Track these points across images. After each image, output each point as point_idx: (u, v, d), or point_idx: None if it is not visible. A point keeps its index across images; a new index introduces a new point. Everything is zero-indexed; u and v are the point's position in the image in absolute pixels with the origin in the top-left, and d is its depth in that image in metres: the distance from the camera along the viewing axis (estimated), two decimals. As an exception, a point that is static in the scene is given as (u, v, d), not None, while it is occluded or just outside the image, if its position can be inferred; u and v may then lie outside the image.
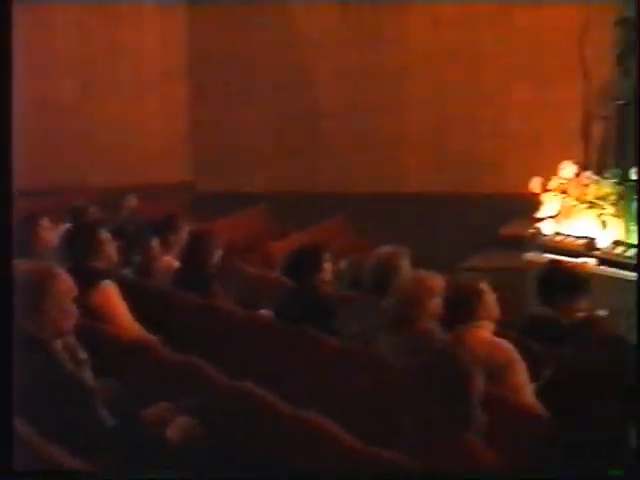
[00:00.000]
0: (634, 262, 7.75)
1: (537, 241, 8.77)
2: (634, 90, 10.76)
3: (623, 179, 8.56)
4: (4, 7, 3.30)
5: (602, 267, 8.01)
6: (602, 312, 6.16)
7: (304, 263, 5.70)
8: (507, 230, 10.31)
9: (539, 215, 8.97)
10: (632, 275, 7.69)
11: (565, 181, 8.87)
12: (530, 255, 8.61)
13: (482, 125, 11.77)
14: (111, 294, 5.34)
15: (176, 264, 6.61)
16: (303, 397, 4.35)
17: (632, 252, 7.84)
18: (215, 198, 11.72)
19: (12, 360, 3.16)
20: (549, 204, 8.92)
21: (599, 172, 9.00)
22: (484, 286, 4.81)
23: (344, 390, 4.74)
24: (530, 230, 8.94)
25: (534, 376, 4.38)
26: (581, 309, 5.34)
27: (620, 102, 10.67)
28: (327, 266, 5.82)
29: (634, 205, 7.90)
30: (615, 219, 8.36)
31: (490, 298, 4.78)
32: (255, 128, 12.61)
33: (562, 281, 5.34)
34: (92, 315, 5.01)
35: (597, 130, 11.03)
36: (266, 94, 12.50)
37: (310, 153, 12.36)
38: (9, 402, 3.13)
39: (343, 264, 6.65)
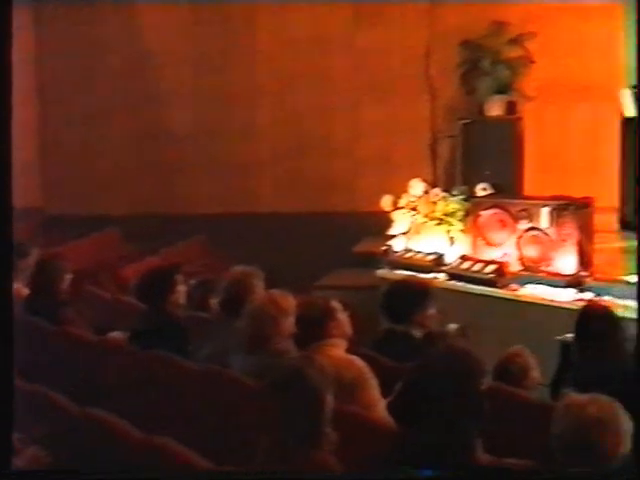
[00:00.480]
0: (482, 276, 7.98)
1: (389, 258, 8.93)
2: (478, 109, 11.13)
3: (469, 195, 8.81)
4: (4, 7, 3.34)
5: (451, 282, 8.20)
6: (452, 326, 6.32)
7: (155, 286, 5.67)
8: (360, 248, 10.45)
9: (391, 232, 9.14)
10: (479, 289, 7.91)
11: (415, 199, 9.05)
12: (382, 272, 8.76)
13: (334, 145, 11.89)
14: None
15: (25, 291, 6.47)
16: (158, 421, 4.32)
17: (478, 266, 8.06)
18: (67, 222, 11.50)
19: (12, 361, 3.31)
20: (400, 221, 9.09)
21: (447, 189, 9.23)
22: (336, 304, 4.88)
23: (200, 413, 4.73)
24: (382, 247, 9.10)
25: (387, 391, 4.45)
26: (429, 323, 5.47)
27: (465, 121, 11.01)
28: (180, 288, 5.80)
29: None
30: (462, 235, 8.59)
31: (342, 316, 4.85)
32: (107, 150, 12.44)
33: (407, 296, 5.46)
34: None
35: (444, 148, 11.33)
36: (117, 115, 12.35)
37: (164, 175, 12.25)
38: (9, 403, 3.20)
39: (191, 285, 6.64)
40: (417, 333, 5.38)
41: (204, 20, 12.03)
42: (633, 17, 7.12)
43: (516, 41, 10.98)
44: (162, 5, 12.04)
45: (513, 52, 11.05)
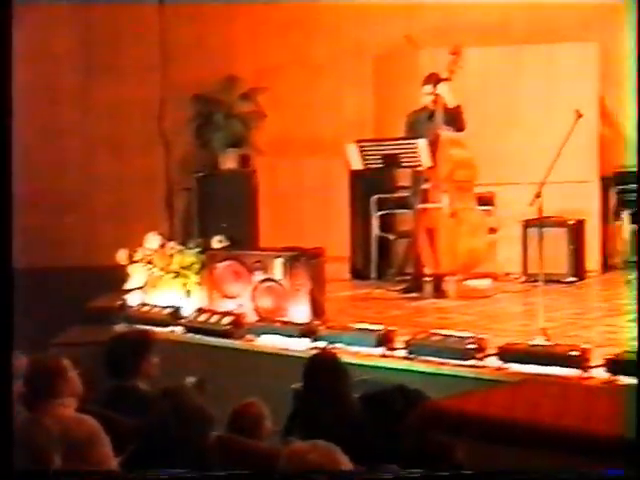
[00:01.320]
0: (218, 328, 8.02)
1: (125, 313, 8.83)
2: (213, 162, 11.27)
3: (205, 248, 8.87)
4: (4, 7, 3.32)
5: (189, 335, 8.20)
6: (190, 379, 6.30)
7: None
8: (97, 303, 10.25)
9: (127, 287, 9.05)
10: (216, 341, 7.95)
11: (150, 252, 9.01)
12: (118, 327, 8.62)
13: (67, 198, 11.63)
14: None
15: None
16: None
17: (215, 318, 8.10)
18: None
19: (12, 360, 3.38)
20: (136, 275, 9.02)
21: (184, 242, 9.26)
22: (66, 362, 4.77)
23: None
24: (118, 302, 8.99)
25: (120, 449, 4.39)
26: (154, 372, 5.49)
27: (200, 174, 11.13)
28: None
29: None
30: (199, 287, 8.63)
31: (72, 374, 4.75)
32: None
33: (126, 349, 5.48)
34: None
35: (180, 201, 11.37)
36: None
37: None
38: (9, 402, 3.22)
39: None
40: (143, 385, 5.39)
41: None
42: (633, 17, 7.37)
43: (248, 95, 11.23)
44: None
45: (246, 106, 11.29)
